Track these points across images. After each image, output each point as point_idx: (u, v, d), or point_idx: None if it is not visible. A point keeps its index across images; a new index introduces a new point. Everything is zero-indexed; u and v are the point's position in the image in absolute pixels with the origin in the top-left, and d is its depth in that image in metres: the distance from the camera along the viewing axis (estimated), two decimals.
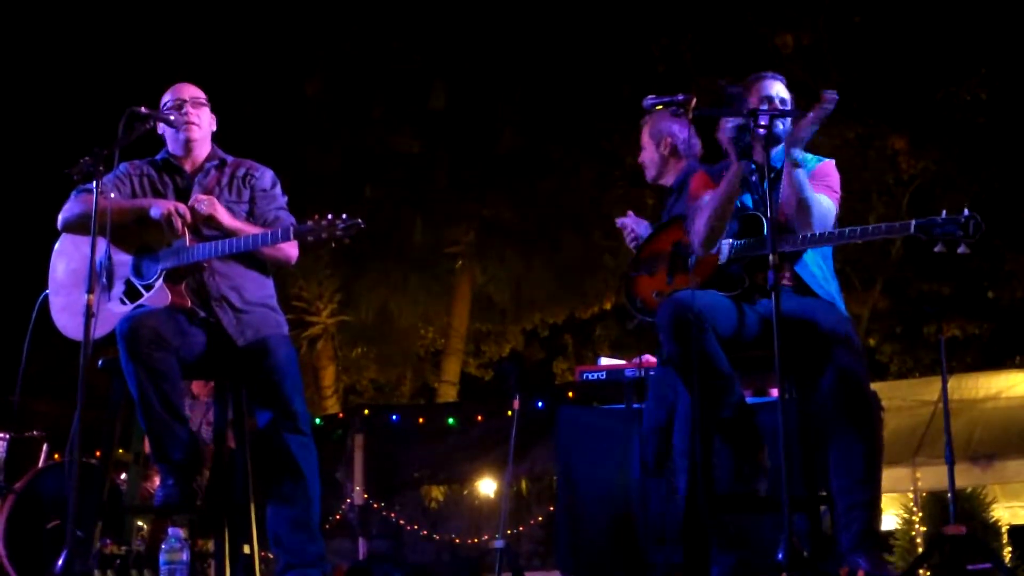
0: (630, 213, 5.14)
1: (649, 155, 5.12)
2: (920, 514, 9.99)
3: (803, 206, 3.87)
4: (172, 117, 4.34)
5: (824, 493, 3.91)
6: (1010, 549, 11.14)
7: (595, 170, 15.05)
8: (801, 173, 3.87)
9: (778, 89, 4.10)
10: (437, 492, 11.76)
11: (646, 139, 5.13)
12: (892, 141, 13.63)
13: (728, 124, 3.91)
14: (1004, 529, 11.03)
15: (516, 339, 18.76)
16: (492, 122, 15.56)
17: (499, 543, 6.53)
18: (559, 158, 15.35)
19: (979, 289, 15.16)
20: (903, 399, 10.62)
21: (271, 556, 4.29)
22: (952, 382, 10.32)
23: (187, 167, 4.44)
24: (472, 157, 15.59)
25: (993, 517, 10.47)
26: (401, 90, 15.53)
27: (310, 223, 3.98)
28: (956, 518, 5.38)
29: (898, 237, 3.80)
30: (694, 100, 3.79)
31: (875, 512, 3.81)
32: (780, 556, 3.30)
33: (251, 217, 4.41)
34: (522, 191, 15.61)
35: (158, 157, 4.50)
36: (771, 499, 3.84)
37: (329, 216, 3.96)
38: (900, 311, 15.28)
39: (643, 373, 5.37)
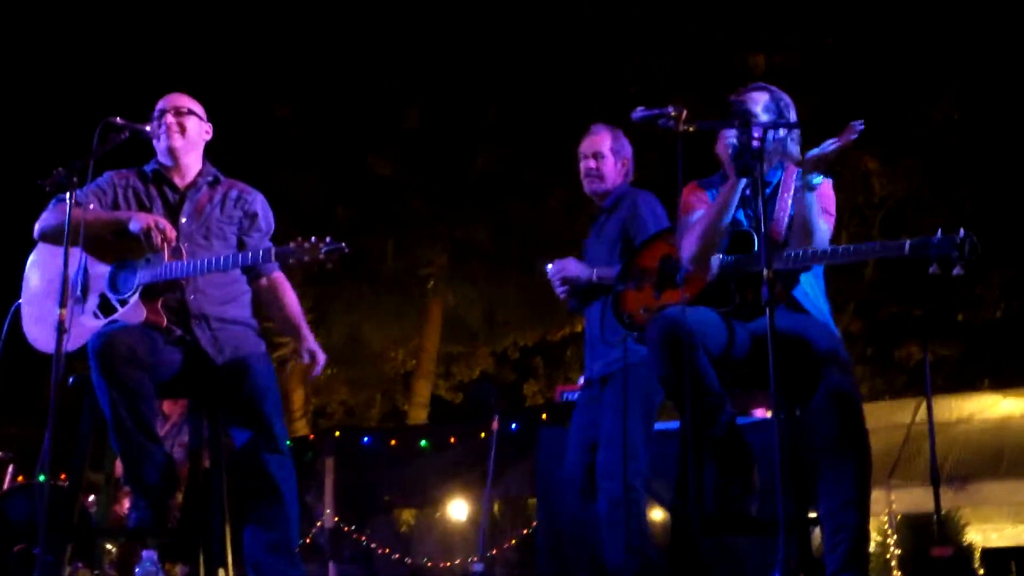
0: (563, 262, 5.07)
1: (610, 168, 5.07)
2: (895, 536, 9.96)
3: (808, 230, 3.81)
4: (148, 128, 4.24)
5: (814, 514, 3.84)
6: (983, 572, 11.14)
7: (566, 192, 15.00)
8: (813, 197, 3.81)
9: (755, 101, 4.04)
10: (409, 515, 11.62)
11: (607, 150, 5.07)
12: (864, 162, 13.67)
13: (728, 140, 3.84)
14: (977, 552, 11.04)
15: (486, 362, 18.64)
16: (466, 144, 15.49)
17: (478, 567, 6.43)
18: (532, 180, 15.29)
19: (950, 312, 15.21)
20: (876, 421, 10.55)
21: None
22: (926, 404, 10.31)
23: (177, 180, 4.34)
24: (446, 179, 15.51)
25: (967, 540, 10.48)
26: (375, 111, 15.44)
27: (292, 245, 3.88)
28: (931, 540, 5.35)
29: (892, 256, 3.71)
30: (684, 112, 3.72)
31: (863, 535, 3.74)
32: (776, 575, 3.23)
33: (240, 239, 4.35)
34: (495, 213, 15.54)
35: (147, 168, 4.39)
36: (764, 520, 3.76)
37: (312, 239, 3.87)
38: (872, 334, 15.31)
39: None
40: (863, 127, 3.61)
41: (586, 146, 5.11)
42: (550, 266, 5.08)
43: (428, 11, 14.97)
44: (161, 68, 13.82)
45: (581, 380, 5.27)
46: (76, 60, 14.55)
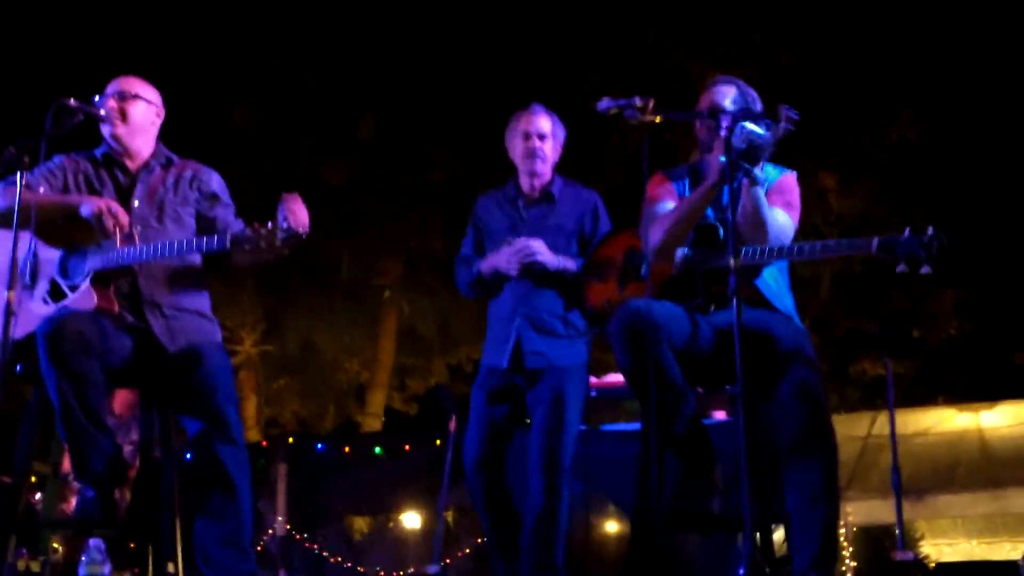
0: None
1: (551, 151, 4.83)
2: (851, 548, 9.96)
3: (759, 225, 3.75)
4: (102, 112, 4.13)
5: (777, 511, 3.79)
6: None
7: None
8: (759, 192, 3.76)
9: (724, 94, 4.00)
10: (361, 523, 11.48)
11: (550, 132, 4.81)
12: (821, 179, 13.71)
13: (735, 138, 3.75)
14: (931, 566, 11.07)
15: (441, 375, 18.51)
16: (422, 153, 15.38)
17: (433, 568, 6.32)
18: (488, 190, 15.15)
19: (903, 329, 15.30)
20: None
21: None
22: (882, 418, 10.37)
23: (128, 163, 4.23)
24: (401, 188, 15.39)
25: (922, 553, 10.51)
26: (330, 118, 15.30)
27: (248, 230, 3.79)
28: (889, 551, 5.34)
29: (859, 254, 3.68)
30: (651, 102, 3.66)
31: (832, 531, 3.67)
32: (742, 572, 3.16)
33: (204, 218, 4.23)
34: (451, 223, 15.43)
35: (97, 152, 4.27)
36: (727, 517, 3.70)
37: (269, 224, 3.78)
38: (827, 350, 15.34)
39: (593, 393, 5.25)
40: (796, 116, 3.57)
41: (529, 124, 4.82)
42: (520, 242, 4.70)
43: (384, 19, 14.87)
44: (117, 57, 13.62)
45: (498, 363, 4.71)
46: (29, 41, 14.29)
